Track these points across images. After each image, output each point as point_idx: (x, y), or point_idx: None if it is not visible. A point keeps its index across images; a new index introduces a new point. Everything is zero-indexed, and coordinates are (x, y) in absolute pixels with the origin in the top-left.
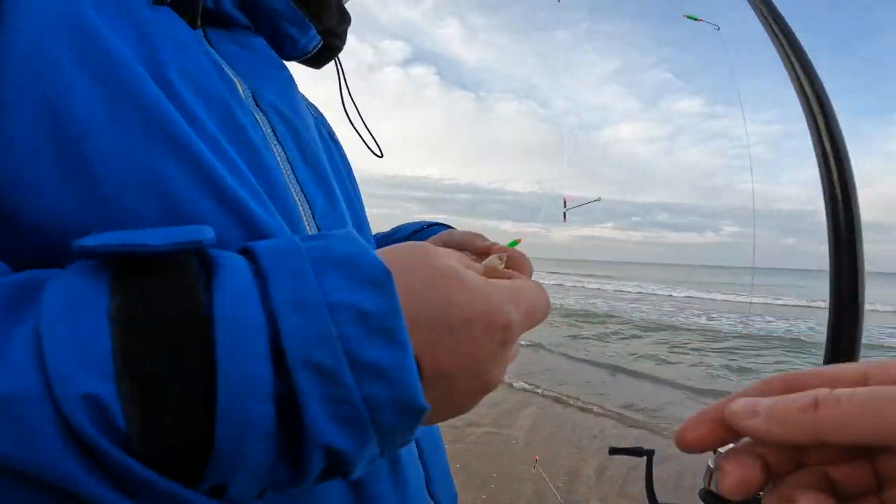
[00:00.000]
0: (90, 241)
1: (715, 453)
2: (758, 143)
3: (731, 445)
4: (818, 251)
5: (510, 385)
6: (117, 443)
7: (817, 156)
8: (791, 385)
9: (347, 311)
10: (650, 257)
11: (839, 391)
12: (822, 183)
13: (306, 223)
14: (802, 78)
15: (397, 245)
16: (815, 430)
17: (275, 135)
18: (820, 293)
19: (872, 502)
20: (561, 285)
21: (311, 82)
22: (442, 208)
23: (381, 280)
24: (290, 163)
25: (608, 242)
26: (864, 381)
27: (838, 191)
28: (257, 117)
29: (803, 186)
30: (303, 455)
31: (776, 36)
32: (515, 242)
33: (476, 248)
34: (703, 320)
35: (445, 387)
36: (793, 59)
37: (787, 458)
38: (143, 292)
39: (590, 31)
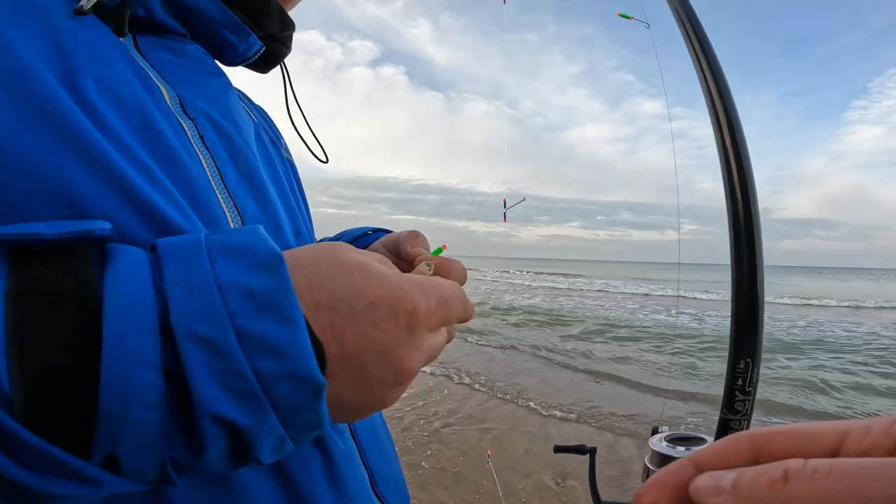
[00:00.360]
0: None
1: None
2: (711, 144)
3: None
4: (772, 248)
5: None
6: (4, 406)
7: (720, 156)
8: (761, 447)
9: (236, 290)
10: (615, 255)
11: (813, 463)
12: (724, 182)
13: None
14: (710, 83)
15: (310, 245)
16: None
17: (203, 142)
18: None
19: None
20: (529, 285)
21: (259, 84)
22: (411, 209)
23: (271, 263)
24: (218, 169)
25: (575, 241)
26: (840, 443)
27: (738, 190)
28: (183, 124)
29: (757, 186)
30: (195, 426)
31: (690, 40)
32: (440, 250)
33: (405, 255)
34: (662, 317)
35: (355, 371)
36: (704, 66)
37: None
38: (35, 275)
39: (557, 34)
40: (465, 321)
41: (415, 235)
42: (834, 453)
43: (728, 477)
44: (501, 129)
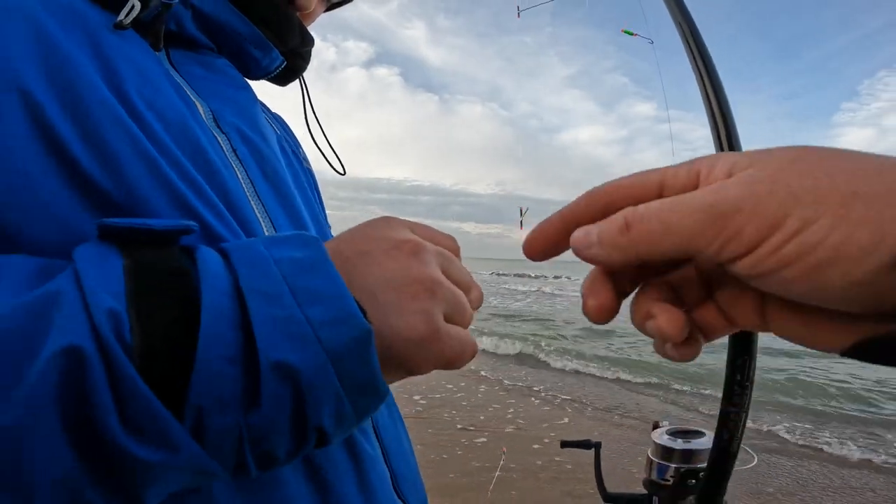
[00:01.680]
0: (115, 221)
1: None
2: (705, 145)
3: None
4: None
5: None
6: (125, 352)
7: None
8: (611, 199)
9: (286, 261)
10: None
11: (641, 208)
12: None
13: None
14: (710, 91)
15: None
16: (635, 251)
17: (236, 155)
18: None
19: (711, 307)
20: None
21: (278, 93)
22: (405, 210)
23: (311, 241)
24: (251, 181)
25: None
26: (662, 187)
27: None
28: (218, 138)
29: None
30: (259, 376)
31: (692, 52)
32: None
33: None
34: None
35: (378, 303)
36: (704, 76)
37: (633, 276)
38: (144, 256)
39: (553, 36)
40: (454, 250)
41: (449, 238)
42: (659, 196)
43: (594, 231)
44: (496, 132)
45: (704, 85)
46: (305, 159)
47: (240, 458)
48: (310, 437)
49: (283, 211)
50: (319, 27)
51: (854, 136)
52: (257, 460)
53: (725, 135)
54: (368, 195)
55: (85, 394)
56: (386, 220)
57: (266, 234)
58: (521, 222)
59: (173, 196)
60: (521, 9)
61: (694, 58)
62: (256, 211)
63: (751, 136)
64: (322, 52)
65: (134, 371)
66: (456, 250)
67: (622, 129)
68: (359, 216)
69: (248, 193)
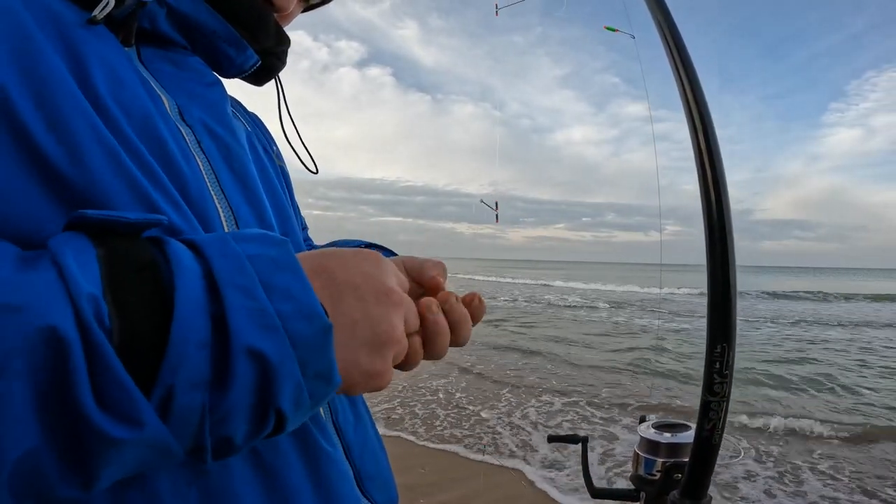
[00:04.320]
0: (92, 213)
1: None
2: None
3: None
4: (752, 248)
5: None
6: (105, 334)
7: (696, 160)
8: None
9: (259, 258)
10: (601, 257)
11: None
12: (700, 185)
13: (227, 230)
14: (687, 88)
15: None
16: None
17: (200, 147)
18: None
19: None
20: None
21: (256, 93)
22: (398, 211)
23: (280, 241)
24: (215, 173)
25: (561, 243)
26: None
27: (712, 192)
28: (182, 130)
29: (736, 187)
30: (230, 358)
31: (669, 48)
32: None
33: (427, 279)
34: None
35: (355, 335)
36: (682, 73)
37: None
38: (118, 245)
39: (543, 35)
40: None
41: (438, 265)
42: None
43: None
44: (488, 131)
45: (682, 81)
46: (279, 156)
47: (198, 441)
48: (269, 421)
49: (247, 205)
50: (311, 27)
51: (843, 135)
52: (215, 444)
53: (703, 132)
54: (361, 195)
55: (64, 372)
56: (378, 262)
57: (226, 226)
58: (497, 215)
59: (132, 186)
60: (499, 7)
61: (672, 54)
62: (217, 203)
63: (739, 137)
64: (314, 52)
65: (113, 353)
66: (444, 274)
67: (613, 129)
68: (351, 216)
69: (209, 185)
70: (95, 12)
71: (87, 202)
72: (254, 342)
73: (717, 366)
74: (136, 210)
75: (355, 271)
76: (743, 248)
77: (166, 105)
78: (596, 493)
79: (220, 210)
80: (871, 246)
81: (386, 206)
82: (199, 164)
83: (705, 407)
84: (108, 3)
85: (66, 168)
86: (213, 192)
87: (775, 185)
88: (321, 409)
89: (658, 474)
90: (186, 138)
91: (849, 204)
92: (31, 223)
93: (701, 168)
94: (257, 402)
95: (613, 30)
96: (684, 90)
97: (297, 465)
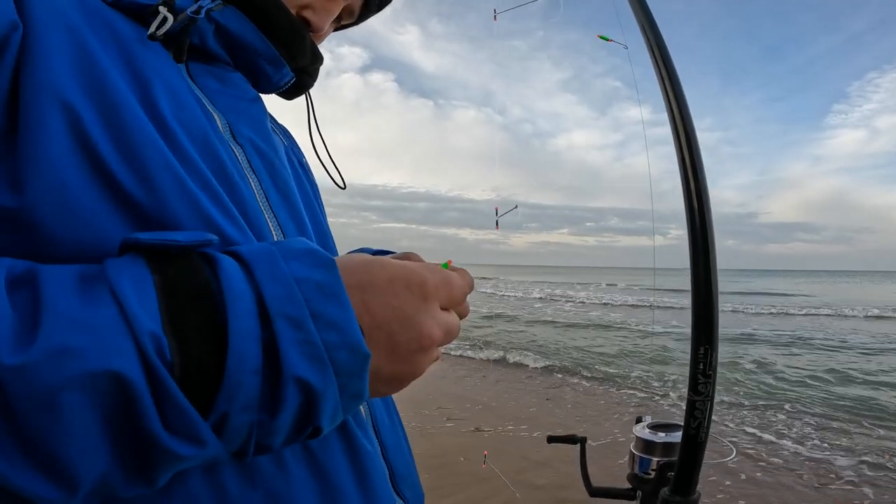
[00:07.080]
0: (143, 236)
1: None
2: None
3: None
4: (757, 252)
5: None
6: (167, 369)
7: (680, 172)
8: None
9: (307, 283)
10: (604, 261)
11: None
12: (683, 192)
13: None
14: (674, 104)
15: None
16: None
17: (251, 166)
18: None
19: None
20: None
21: (285, 104)
22: (400, 217)
23: (328, 263)
24: (264, 193)
25: (565, 248)
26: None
27: (695, 200)
28: (234, 150)
29: (739, 190)
30: (280, 387)
31: (654, 56)
32: (445, 265)
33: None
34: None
35: (385, 339)
36: (666, 82)
37: None
38: (170, 272)
39: (544, 39)
40: (467, 292)
41: (410, 254)
42: None
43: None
44: (491, 137)
45: (670, 102)
46: (309, 169)
47: (243, 448)
48: (306, 433)
49: (291, 221)
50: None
51: (846, 137)
52: (256, 449)
53: (687, 147)
54: (364, 202)
55: (132, 405)
56: (398, 261)
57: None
58: (497, 222)
59: (196, 208)
60: (497, 11)
61: (656, 61)
62: (269, 222)
63: (741, 140)
64: None
65: (176, 386)
66: (462, 290)
67: (615, 133)
68: (354, 223)
69: (261, 204)
70: (153, 29)
71: (153, 223)
72: (302, 373)
73: (702, 367)
74: (198, 227)
75: (382, 271)
76: (748, 251)
77: (219, 124)
78: (594, 492)
79: (271, 227)
80: (877, 248)
81: (389, 213)
82: (252, 183)
83: (691, 406)
84: (166, 20)
85: (136, 191)
86: (264, 210)
87: (779, 188)
88: (361, 410)
89: (653, 473)
90: (239, 158)
91: (854, 206)
92: (96, 240)
93: (685, 180)
94: (300, 421)
95: (607, 39)
96: (671, 107)
97: (343, 464)
